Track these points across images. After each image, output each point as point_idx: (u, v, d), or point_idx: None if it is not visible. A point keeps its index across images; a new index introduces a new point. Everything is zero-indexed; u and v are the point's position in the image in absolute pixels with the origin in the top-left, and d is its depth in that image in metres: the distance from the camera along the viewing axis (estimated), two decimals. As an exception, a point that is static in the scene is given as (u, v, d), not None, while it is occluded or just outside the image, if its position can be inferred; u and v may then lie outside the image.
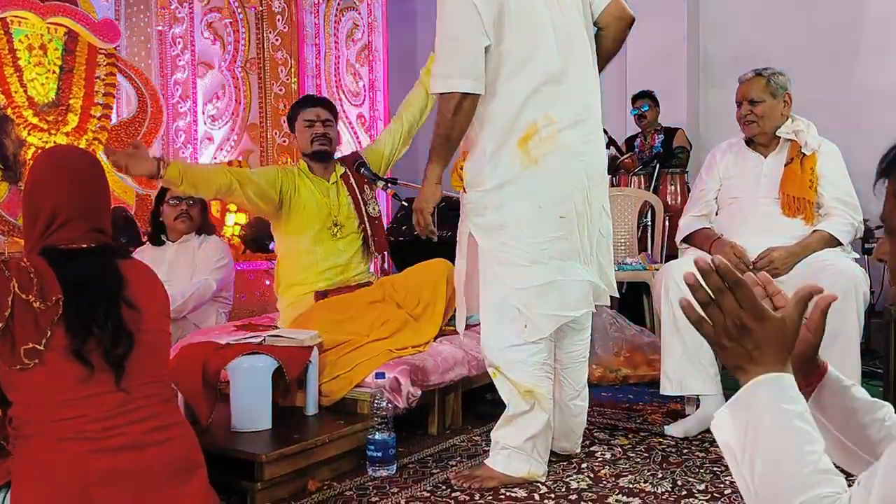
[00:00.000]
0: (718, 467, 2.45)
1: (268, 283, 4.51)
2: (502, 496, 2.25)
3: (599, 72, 2.46)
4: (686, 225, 3.12)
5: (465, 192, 2.40)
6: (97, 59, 5.07)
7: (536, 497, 2.25)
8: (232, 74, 5.48)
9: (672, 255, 3.89)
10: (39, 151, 4.18)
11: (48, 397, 1.64)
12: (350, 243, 3.21)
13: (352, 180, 3.24)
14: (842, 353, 2.61)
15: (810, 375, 1.11)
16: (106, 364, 1.68)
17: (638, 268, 4.11)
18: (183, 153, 5.61)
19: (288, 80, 5.42)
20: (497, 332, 2.34)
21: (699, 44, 5.78)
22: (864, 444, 1.08)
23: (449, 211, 3.38)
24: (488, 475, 2.34)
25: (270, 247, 4.71)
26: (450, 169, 2.42)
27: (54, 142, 4.74)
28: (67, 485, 1.61)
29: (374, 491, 2.31)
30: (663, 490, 2.27)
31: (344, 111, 5.74)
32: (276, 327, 3.07)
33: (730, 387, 2.70)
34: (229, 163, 5.41)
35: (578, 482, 2.35)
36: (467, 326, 2.54)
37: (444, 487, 2.33)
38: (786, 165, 2.95)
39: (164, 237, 3.61)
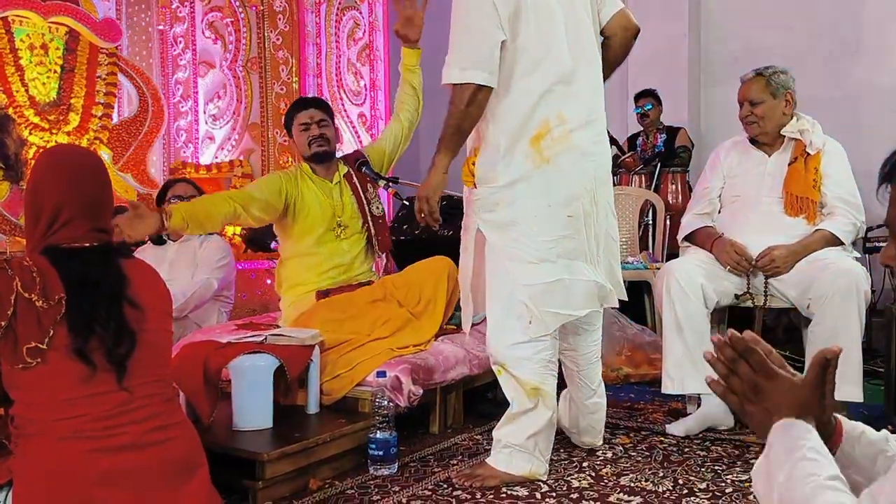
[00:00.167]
0: (720, 466, 2.45)
1: (269, 281, 4.51)
2: (504, 495, 2.25)
3: (605, 80, 2.46)
4: (688, 223, 3.11)
5: (474, 187, 2.39)
6: (98, 59, 5.09)
7: (538, 496, 2.25)
8: (233, 74, 5.47)
9: (673, 254, 3.88)
10: (41, 151, 4.17)
11: (50, 396, 1.65)
12: (354, 243, 3.20)
13: (355, 180, 3.23)
14: (843, 352, 2.60)
15: (832, 436, 1.15)
16: (108, 363, 1.68)
17: (639, 267, 4.11)
18: (184, 153, 5.62)
19: (289, 79, 5.42)
20: (503, 328, 2.34)
21: (700, 42, 5.77)
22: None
23: (451, 210, 3.38)
24: (490, 474, 2.34)
25: (271, 246, 4.71)
26: (460, 163, 2.40)
27: (55, 141, 4.75)
28: (69, 484, 1.61)
29: (376, 489, 2.31)
30: (664, 489, 2.28)
31: (345, 110, 5.73)
32: (278, 326, 3.07)
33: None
34: (230, 162, 5.42)
35: (580, 481, 2.36)
36: (473, 324, 2.54)
37: (445, 486, 2.34)
38: (790, 164, 2.94)
39: (165, 236, 3.61)
